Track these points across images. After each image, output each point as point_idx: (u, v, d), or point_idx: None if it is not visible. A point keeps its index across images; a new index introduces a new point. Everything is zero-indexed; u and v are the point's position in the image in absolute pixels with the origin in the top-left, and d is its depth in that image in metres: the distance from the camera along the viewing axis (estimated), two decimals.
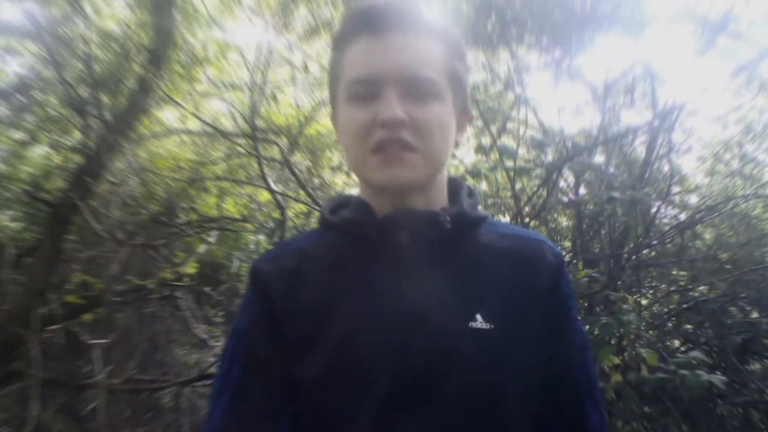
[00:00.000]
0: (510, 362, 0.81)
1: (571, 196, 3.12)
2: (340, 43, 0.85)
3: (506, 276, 0.86)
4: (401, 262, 0.83)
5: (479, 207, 0.93)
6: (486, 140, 3.09)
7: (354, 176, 0.94)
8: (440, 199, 0.89)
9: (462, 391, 0.78)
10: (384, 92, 0.78)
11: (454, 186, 0.94)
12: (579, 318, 0.92)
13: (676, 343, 3.15)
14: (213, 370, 3.47)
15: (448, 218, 0.83)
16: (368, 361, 0.79)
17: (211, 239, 4.16)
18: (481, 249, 0.88)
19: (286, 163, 3.53)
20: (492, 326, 0.80)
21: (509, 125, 3.26)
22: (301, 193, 3.76)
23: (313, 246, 0.90)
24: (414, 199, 0.84)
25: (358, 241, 0.85)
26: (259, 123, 3.75)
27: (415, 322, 0.79)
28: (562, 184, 3.21)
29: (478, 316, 0.81)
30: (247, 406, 0.81)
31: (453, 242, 0.85)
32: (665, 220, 3.32)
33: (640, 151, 3.22)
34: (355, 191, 1.00)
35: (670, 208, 3.38)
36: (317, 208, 3.31)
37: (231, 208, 4.29)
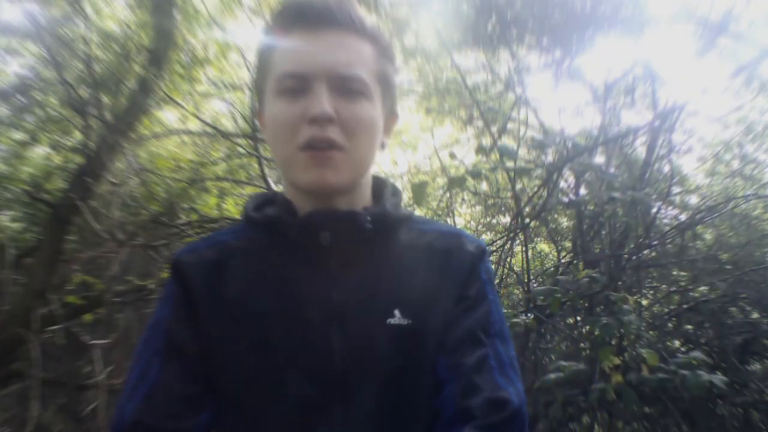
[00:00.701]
0: (425, 356, 0.81)
1: (572, 196, 3.13)
2: (269, 36, 0.84)
3: (425, 271, 0.86)
4: (321, 263, 0.83)
5: (402, 205, 0.93)
6: (486, 141, 3.10)
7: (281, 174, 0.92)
8: (364, 198, 0.89)
9: (379, 388, 0.78)
10: (314, 88, 0.78)
11: (378, 185, 0.94)
12: (496, 300, 0.89)
13: (677, 343, 3.15)
14: None
15: (368, 218, 0.83)
16: (284, 365, 0.78)
17: None
18: (401, 246, 0.88)
19: None
20: (409, 321, 0.81)
21: (510, 126, 3.27)
22: None
23: (236, 241, 0.89)
24: (338, 201, 0.84)
25: (279, 239, 0.85)
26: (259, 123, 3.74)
27: (333, 322, 0.79)
28: (562, 184, 3.21)
29: (396, 312, 0.81)
30: (166, 396, 0.78)
31: (373, 242, 0.85)
32: (666, 221, 3.32)
33: (641, 151, 3.22)
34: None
35: (670, 208, 3.38)
36: None
37: (231, 208, 4.28)
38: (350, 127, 0.79)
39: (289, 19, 0.82)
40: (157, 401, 0.78)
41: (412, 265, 0.86)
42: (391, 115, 0.91)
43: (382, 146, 0.90)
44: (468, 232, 0.99)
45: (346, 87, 0.79)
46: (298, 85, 0.79)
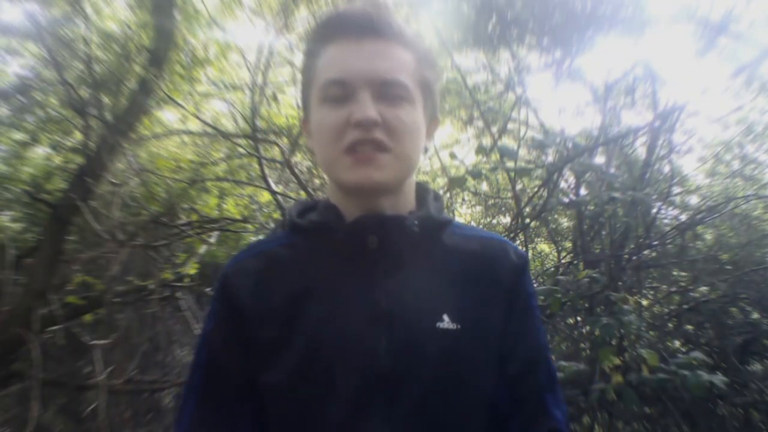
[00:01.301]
0: (473, 361, 0.83)
1: (572, 196, 3.12)
2: (313, 48, 0.87)
3: (471, 276, 0.88)
4: (368, 266, 0.84)
5: (444, 211, 0.96)
6: (487, 141, 3.09)
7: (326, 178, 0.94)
8: (408, 202, 0.91)
9: (427, 391, 0.80)
10: (358, 94, 0.80)
11: (421, 190, 0.96)
12: (540, 317, 0.95)
13: (677, 343, 3.15)
14: None
15: (416, 222, 0.85)
16: (334, 368, 0.80)
17: (212, 240, 4.15)
18: (446, 251, 0.90)
19: (287, 164, 3.52)
20: (458, 326, 0.82)
21: (510, 126, 3.27)
22: (302, 193, 3.75)
23: (281, 248, 0.90)
24: (383, 202, 0.85)
25: (326, 244, 0.86)
26: (260, 124, 3.75)
27: (382, 325, 0.81)
28: (562, 184, 3.21)
29: (445, 317, 0.82)
30: (210, 412, 0.83)
31: (420, 245, 0.86)
32: (666, 221, 3.32)
33: (641, 151, 3.22)
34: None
35: (670, 208, 3.38)
36: None
37: (232, 208, 4.28)
38: (394, 129, 0.81)
39: (329, 32, 0.84)
40: (204, 420, 0.84)
41: (459, 271, 0.88)
42: (432, 120, 0.94)
43: (425, 150, 0.92)
44: (509, 239, 1.02)
45: (388, 92, 0.81)
46: (342, 92, 0.81)
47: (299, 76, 0.94)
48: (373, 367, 0.79)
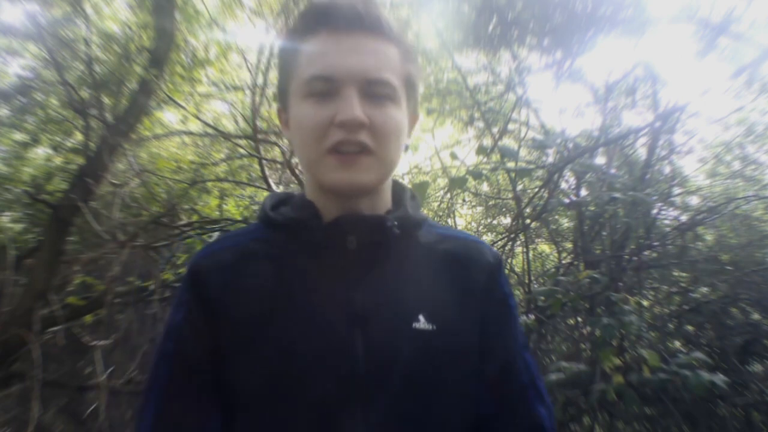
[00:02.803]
0: (450, 361, 0.82)
1: (573, 197, 3.12)
2: (295, 37, 0.83)
3: (447, 277, 0.87)
4: (345, 266, 0.82)
5: (420, 209, 0.95)
6: (487, 141, 3.09)
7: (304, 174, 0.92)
8: (385, 202, 0.90)
9: (403, 392, 0.78)
10: (344, 92, 0.77)
11: (398, 189, 0.95)
12: (518, 316, 0.94)
13: (678, 344, 3.14)
14: None
15: (395, 223, 0.83)
16: (309, 369, 0.78)
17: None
18: (422, 251, 0.89)
19: (288, 165, 3.52)
20: (434, 327, 0.81)
21: (511, 126, 3.27)
22: None
23: (254, 243, 0.87)
24: (362, 202, 0.84)
25: (302, 242, 0.84)
26: (261, 124, 3.75)
27: (358, 326, 0.79)
28: (563, 185, 3.21)
29: (421, 317, 0.81)
30: (176, 406, 0.79)
31: (397, 245, 0.86)
32: (666, 222, 3.32)
33: (642, 152, 3.22)
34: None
35: (671, 209, 3.38)
36: None
37: (232, 209, 4.28)
38: (380, 131, 0.79)
39: (314, 21, 0.81)
40: (169, 413, 0.79)
41: (434, 271, 0.87)
42: (413, 117, 0.92)
43: (405, 148, 0.90)
44: (483, 239, 1.01)
45: (375, 92, 0.79)
46: (327, 89, 0.78)
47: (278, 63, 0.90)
48: (349, 368, 0.77)
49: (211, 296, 0.82)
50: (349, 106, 0.76)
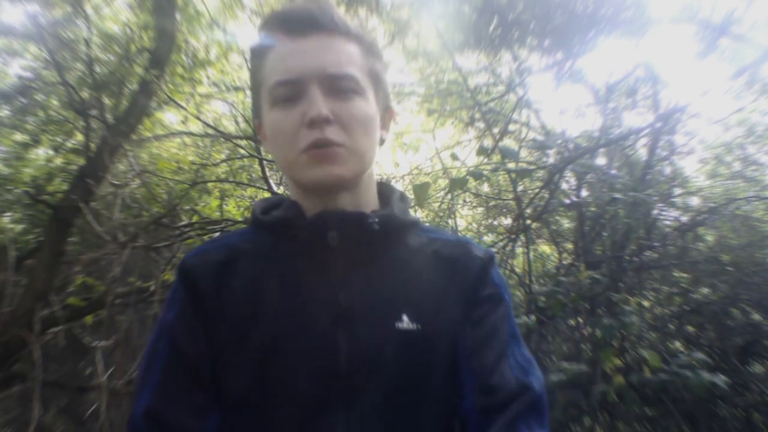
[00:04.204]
0: (433, 361, 0.81)
1: (573, 198, 3.12)
2: (258, 52, 0.86)
3: (433, 276, 0.87)
4: (328, 264, 0.83)
5: (410, 212, 0.95)
6: (488, 142, 3.09)
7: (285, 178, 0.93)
8: (370, 200, 0.90)
9: (386, 392, 0.78)
10: (308, 91, 0.79)
11: (386, 190, 0.95)
12: (511, 309, 0.91)
13: (678, 344, 3.15)
14: None
15: (376, 220, 0.84)
16: (292, 367, 0.78)
17: None
18: (409, 251, 0.89)
19: None
20: (418, 326, 0.81)
21: (511, 127, 3.27)
22: None
23: (244, 243, 0.89)
24: (343, 199, 0.85)
25: (288, 241, 0.86)
26: None
27: (341, 324, 0.80)
28: (564, 186, 3.21)
29: (404, 317, 0.81)
30: (170, 403, 0.78)
31: (381, 244, 0.86)
32: (667, 222, 3.32)
33: (642, 153, 3.23)
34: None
35: (671, 210, 3.38)
36: None
37: (233, 210, 4.28)
38: (347, 124, 0.80)
39: (272, 30, 0.83)
40: (163, 410, 0.78)
41: (420, 270, 0.87)
42: (387, 111, 0.93)
43: (382, 141, 0.91)
44: (476, 241, 0.99)
45: (338, 86, 0.81)
46: (291, 92, 0.80)
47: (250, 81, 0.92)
48: (332, 367, 0.78)
49: (202, 294, 0.83)
50: (313, 104, 0.78)
